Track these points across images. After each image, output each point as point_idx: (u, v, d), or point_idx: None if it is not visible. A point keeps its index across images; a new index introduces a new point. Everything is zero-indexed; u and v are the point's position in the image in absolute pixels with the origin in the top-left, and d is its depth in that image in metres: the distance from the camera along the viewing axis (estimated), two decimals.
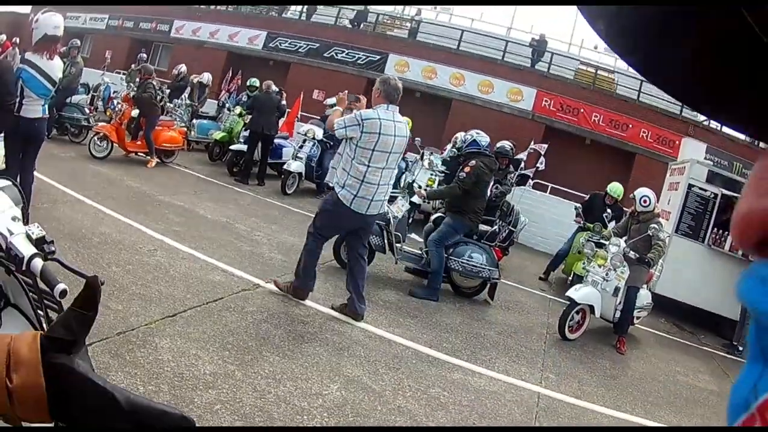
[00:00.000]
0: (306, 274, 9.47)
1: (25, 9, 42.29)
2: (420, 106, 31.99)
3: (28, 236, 2.92)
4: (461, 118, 29.43)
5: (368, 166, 8.81)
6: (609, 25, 0.58)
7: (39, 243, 2.94)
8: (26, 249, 2.83)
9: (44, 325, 3.10)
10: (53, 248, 3.01)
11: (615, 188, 16.60)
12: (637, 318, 12.90)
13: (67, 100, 19.05)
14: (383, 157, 8.89)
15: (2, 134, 9.83)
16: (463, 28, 36.71)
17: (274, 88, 20.28)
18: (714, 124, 31.35)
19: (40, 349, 1.21)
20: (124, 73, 29.19)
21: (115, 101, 19.92)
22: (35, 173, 10.59)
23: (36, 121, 9.97)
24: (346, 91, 10.37)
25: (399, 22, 40.80)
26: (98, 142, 17.70)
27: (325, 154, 19.68)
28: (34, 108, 9.89)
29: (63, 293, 2.80)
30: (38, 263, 2.82)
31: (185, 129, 21.06)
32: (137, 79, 19.75)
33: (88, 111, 19.94)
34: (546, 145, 23.89)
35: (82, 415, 1.22)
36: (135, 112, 18.44)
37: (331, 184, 9.72)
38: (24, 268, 2.79)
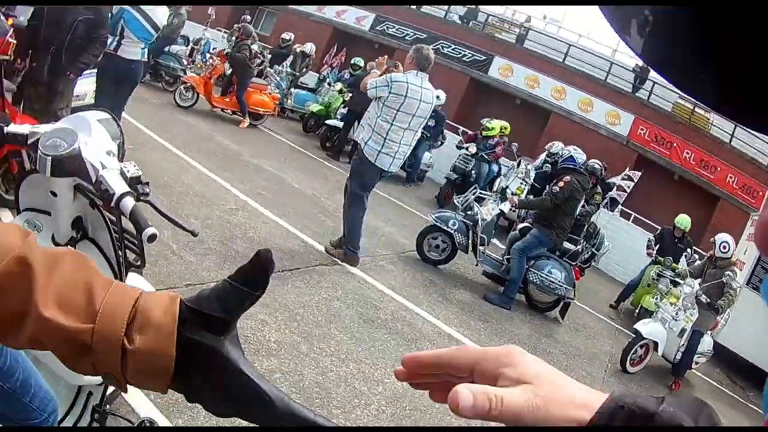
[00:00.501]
0: (356, 237, 9.93)
1: None
2: (519, 113, 31.86)
3: (122, 173, 2.88)
4: (557, 131, 29.09)
5: (391, 124, 9.37)
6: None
7: (133, 182, 2.89)
8: (118, 186, 2.77)
9: (121, 266, 3.02)
10: (147, 190, 3.00)
11: (682, 220, 16.52)
12: (696, 363, 12.70)
13: (166, 49, 19.22)
14: (406, 119, 9.45)
15: (95, 69, 9.77)
16: (570, 43, 36.30)
17: None
18: None
19: (179, 319, 1.07)
20: (225, 32, 29.28)
21: (208, 55, 19.89)
22: (124, 115, 10.58)
23: (133, 63, 10.01)
24: (386, 57, 10.92)
25: (508, 26, 40.56)
26: (184, 92, 17.94)
27: (420, 144, 19.57)
28: (133, 50, 9.92)
29: (152, 237, 2.76)
30: (129, 202, 2.76)
31: (278, 95, 21.07)
32: (234, 38, 19.76)
33: (185, 62, 20.08)
34: (639, 173, 23.59)
35: (217, 407, 1.10)
36: (228, 70, 18.50)
37: (357, 140, 10.21)
38: (113, 204, 2.74)
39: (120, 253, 3.06)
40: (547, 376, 0.95)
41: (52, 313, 1.02)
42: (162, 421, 4.35)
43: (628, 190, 22.48)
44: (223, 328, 1.10)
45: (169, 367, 1.02)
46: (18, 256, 1.05)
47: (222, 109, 18.55)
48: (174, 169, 11.22)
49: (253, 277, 1.13)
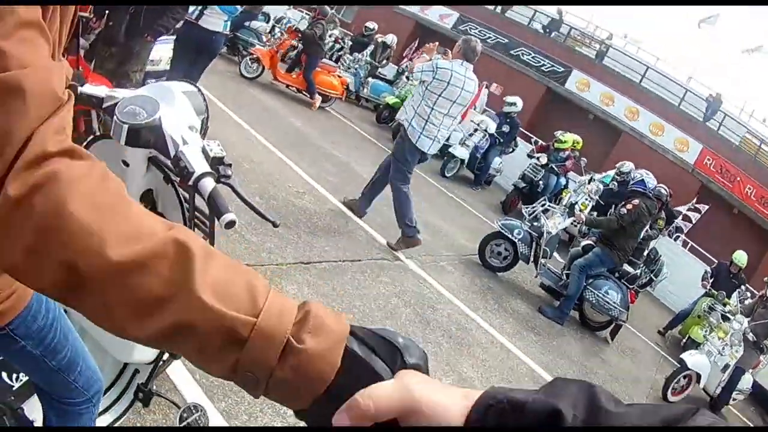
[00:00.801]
0: (410, 221, 10.08)
1: None
2: (591, 129, 31.78)
3: (204, 151, 2.74)
4: (626, 151, 28.93)
5: (432, 108, 9.74)
6: None
7: (215, 162, 2.74)
8: (199, 164, 2.62)
9: None
10: (229, 172, 2.80)
11: (740, 257, 16.53)
12: (734, 399, 12.74)
13: (246, 24, 19.21)
14: (447, 104, 9.79)
15: (174, 36, 9.79)
16: (648, 65, 36.19)
17: None
18: None
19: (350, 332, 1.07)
20: (307, 13, 29.31)
21: (277, 29, 19.88)
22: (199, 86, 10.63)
23: (214, 34, 10.03)
24: (437, 43, 11.24)
25: (589, 40, 40.38)
26: (250, 63, 18.06)
27: (492, 148, 19.64)
28: (215, 21, 9.95)
29: (230, 224, 2.63)
30: (209, 183, 2.64)
31: (347, 79, 21.09)
32: (311, 17, 19.78)
33: (264, 39, 20.02)
34: (707, 206, 23.44)
35: None
36: (299, 47, 18.53)
37: (400, 121, 10.85)
38: (190, 183, 2.59)
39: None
40: (425, 376, 1.00)
41: (210, 299, 1.01)
42: (206, 405, 4.32)
43: (694, 222, 22.37)
44: (391, 356, 1.06)
45: (329, 375, 1.00)
46: (176, 238, 1.05)
47: (287, 86, 18.57)
48: (243, 145, 11.26)
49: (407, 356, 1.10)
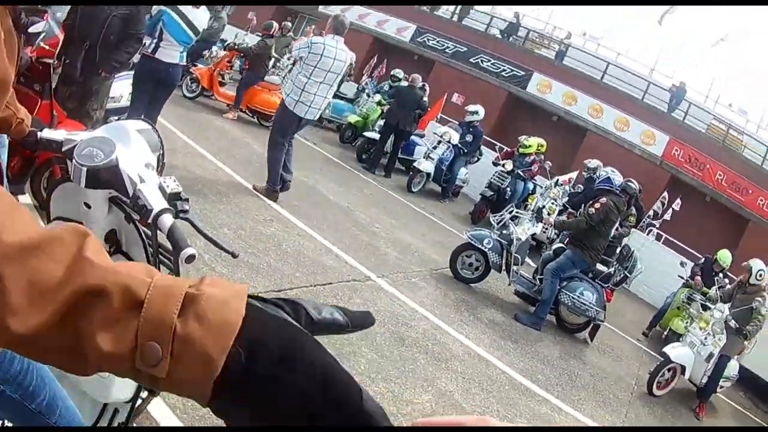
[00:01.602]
0: (276, 176, 11.58)
1: None
2: (556, 130, 31.89)
3: (161, 188, 2.80)
4: (593, 150, 28.96)
5: (309, 78, 11.08)
6: None
7: (172, 198, 2.82)
8: (157, 201, 2.69)
9: None
10: (187, 207, 2.92)
11: (724, 257, 16.36)
12: (721, 387, 12.70)
13: (204, 53, 19.15)
14: (322, 74, 11.15)
15: (133, 71, 9.83)
16: (609, 61, 36.40)
17: (419, 83, 20.09)
18: None
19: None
20: (258, 35, 29.36)
21: (214, 48, 19.84)
22: (159, 118, 10.66)
23: (171, 67, 10.05)
24: (313, 26, 12.75)
25: (547, 41, 40.55)
26: (190, 83, 18.08)
27: (457, 159, 19.63)
28: (172, 53, 9.96)
29: (190, 258, 2.66)
30: (168, 219, 2.69)
31: None
32: (259, 35, 19.76)
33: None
34: (680, 202, 23.57)
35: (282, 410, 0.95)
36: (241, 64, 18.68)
37: (284, 95, 11.69)
38: (150, 221, 2.66)
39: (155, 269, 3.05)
40: None
41: (106, 263, 0.98)
42: None
43: (668, 218, 22.50)
44: (295, 313, 1.02)
45: (236, 322, 0.92)
46: (67, 227, 1.02)
47: (228, 105, 18.41)
48: (207, 176, 11.27)
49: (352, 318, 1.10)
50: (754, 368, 15.52)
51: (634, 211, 16.53)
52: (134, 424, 3.37)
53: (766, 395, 15.99)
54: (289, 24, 28.41)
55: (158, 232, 2.75)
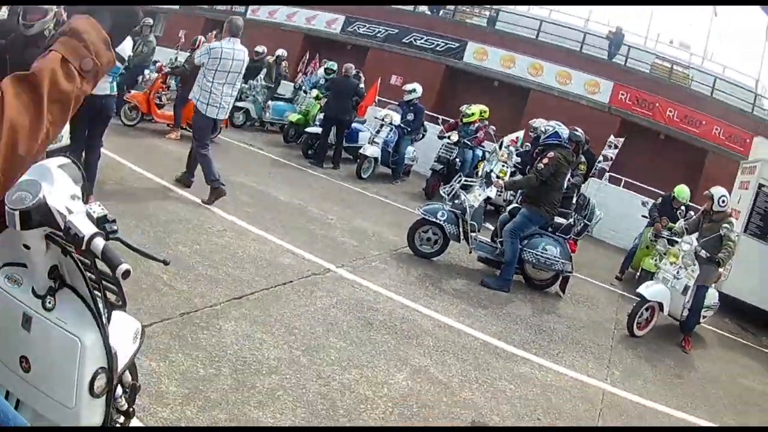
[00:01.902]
0: (212, 173, 11.89)
1: None
2: (498, 95, 31.96)
3: (89, 215, 2.93)
4: (539, 108, 29.14)
5: (213, 81, 11.84)
6: None
7: (100, 222, 2.96)
8: (86, 228, 2.83)
9: (101, 307, 3.07)
10: (115, 227, 3.03)
11: (682, 193, 16.33)
12: (704, 317, 12.71)
13: (139, 79, 19.05)
14: (224, 75, 11.90)
15: None
16: (542, 18, 36.56)
17: (353, 71, 20.05)
18: None
19: None
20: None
21: (147, 72, 19.67)
22: (103, 150, 10.60)
23: (103, 99, 9.88)
24: (215, 32, 14.23)
25: (478, 10, 40.56)
26: (129, 111, 17.87)
27: (402, 139, 19.65)
28: (102, 85, 9.79)
29: (126, 274, 2.81)
30: (99, 242, 2.82)
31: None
32: (191, 52, 19.64)
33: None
34: (622, 139, 23.68)
35: None
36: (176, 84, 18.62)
37: (194, 100, 12.33)
38: (84, 247, 2.80)
39: (97, 293, 3.14)
40: None
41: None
42: None
43: (614, 157, 22.58)
44: None
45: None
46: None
47: (167, 124, 18.29)
48: (157, 198, 11.20)
49: None
50: (734, 293, 15.65)
51: (583, 158, 16.53)
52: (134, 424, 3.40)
53: (752, 317, 16.06)
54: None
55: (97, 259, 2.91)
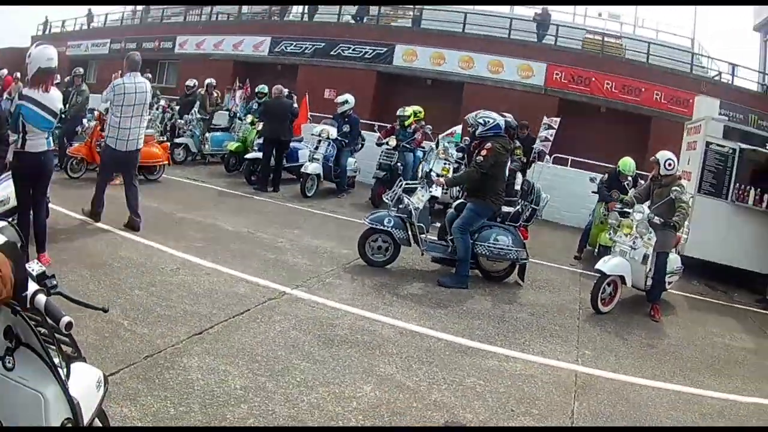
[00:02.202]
0: (99, 200, 12.69)
1: (25, 43, 42.41)
2: (433, 94, 32.16)
3: (29, 273, 3.11)
4: (474, 100, 29.19)
5: (120, 117, 12.30)
6: None
7: (40, 278, 3.05)
8: (29, 286, 3.02)
9: (58, 360, 3.12)
10: (54, 282, 3.36)
11: (626, 166, 16.33)
12: (669, 283, 12.76)
13: (77, 129, 18.90)
14: (131, 108, 12.35)
15: (9, 171, 9.76)
16: (466, 11, 36.60)
17: (285, 92, 20.12)
18: (725, 79, 31.31)
19: None
20: None
21: (85, 120, 19.46)
22: (51, 205, 10.59)
23: (41, 155, 9.79)
24: (119, 72, 13.43)
25: (402, 11, 40.70)
26: (75, 165, 17.74)
27: (342, 152, 19.68)
28: (39, 142, 9.72)
29: (68, 326, 3.02)
30: (41, 299, 3.03)
31: (167, 143, 20.63)
32: None
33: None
34: (558, 119, 23.81)
35: None
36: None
37: (106, 138, 12.92)
38: (29, 305, 2.98)
39: (53, 348, 3.20)
40: None
41: None
42: None
43: (552, 138, 22.68)
44: None
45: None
46: None
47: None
48: (109, 246, 11.11)
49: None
50: (698, 254, 15.87)
51: (518, 143, 16.62)
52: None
53: (719, 276, 16.27)
54: (150, 75, 28.23)
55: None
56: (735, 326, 12.53)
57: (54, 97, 10.02)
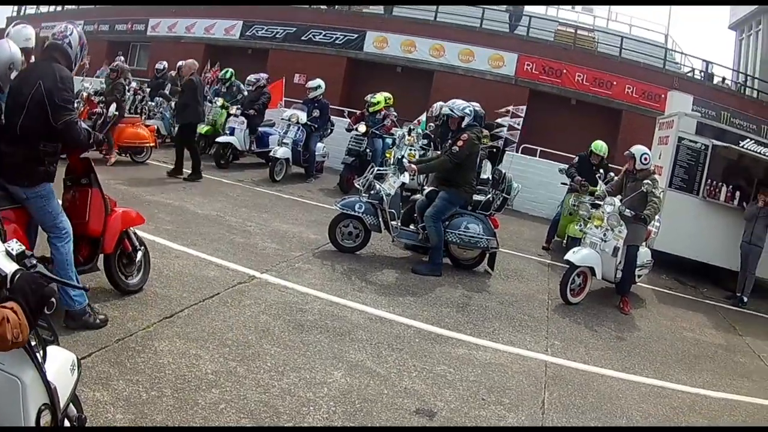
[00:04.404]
0: None
1: (0, 23, 42.05)
2: (402, 81, 32.18)
3: (8, 253, 3.08)
4: (444, 89, 29.33)
5: None
6: None
7: (20, 258, 3.01)
8: (8, 266, 2.98)
9: (35, 344, 3.11)
10: (35, 261, 3.21)
11: (599, 146, 16.37)
12: (639, 276, 12.83)
13: None
14: None
15: None
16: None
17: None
18: (698, 75, 31.49)
19: None
20: (101, 79, 28.87)
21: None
22: None
23: None
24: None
25: None
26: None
27: (311, 137, 19.68)
28: None
29: (50, 306, 2.97)
30: None
31: (155, 126, 20.81)
32: (110, 80, 19.39)
33: None
34: (524, 107, 23.80)
35: None
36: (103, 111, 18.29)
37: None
38: (9, 285, 2.90)
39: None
40: None
41: None
42: None
43: (519, 127, 22.68)
44: None
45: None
46: None
47: (100, 151, 18.04)
48: None
49: None
50: (668, 249, 15.89)
51: (486, 132, 16.68)
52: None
53: (689, 271, 16.38)
54: (122, 57, 28.08)
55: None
56: (705, 321, 12.60)
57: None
